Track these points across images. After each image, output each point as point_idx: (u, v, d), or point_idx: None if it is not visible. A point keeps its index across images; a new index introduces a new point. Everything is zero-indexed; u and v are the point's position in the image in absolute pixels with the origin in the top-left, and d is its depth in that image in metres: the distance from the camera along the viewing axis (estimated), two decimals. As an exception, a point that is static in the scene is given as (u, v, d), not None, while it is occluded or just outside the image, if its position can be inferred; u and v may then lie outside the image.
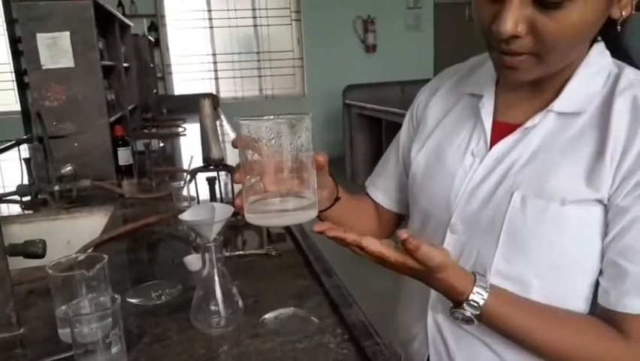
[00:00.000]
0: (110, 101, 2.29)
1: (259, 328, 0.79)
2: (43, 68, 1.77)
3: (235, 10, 6.16)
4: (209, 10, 6.10)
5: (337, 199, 0.77)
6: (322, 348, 0.74)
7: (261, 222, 0.63)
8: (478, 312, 0.63)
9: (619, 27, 0.62)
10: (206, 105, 1.18)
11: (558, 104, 0.66)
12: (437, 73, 0.89)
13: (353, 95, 5.26)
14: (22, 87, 5.41)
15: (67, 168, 1.57)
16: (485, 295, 0.63)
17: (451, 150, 0.75)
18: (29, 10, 1.74)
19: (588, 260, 0.64)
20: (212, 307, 0.78)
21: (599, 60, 0.66)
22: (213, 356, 0.73)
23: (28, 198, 1.57)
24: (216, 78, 6.30)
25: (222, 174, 1.32)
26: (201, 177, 1.27)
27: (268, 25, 6.31)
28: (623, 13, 0.61)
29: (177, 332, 0.79)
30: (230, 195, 1.41)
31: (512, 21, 0.56)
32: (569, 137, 0.65)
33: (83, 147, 1.83)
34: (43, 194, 1.55)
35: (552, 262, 0.65)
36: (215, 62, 6.25)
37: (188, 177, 1.54)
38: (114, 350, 0.67)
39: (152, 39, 4.60)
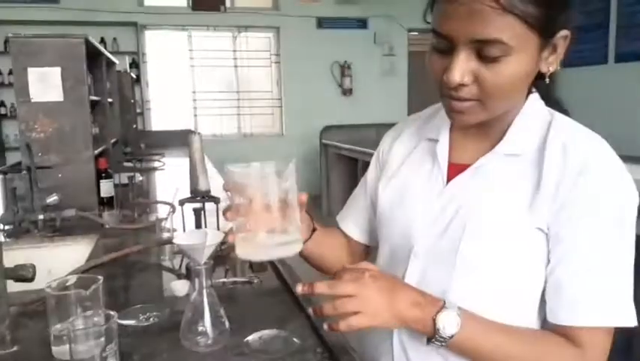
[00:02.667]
0: (95, 135, 2.34)
1: (244, 347, 0.84)
2: (32, 100, 1.83)
3: (216, 50, 6.32)
4: (191, 50, 6.25)
5: (314, 230, 0.89)
6: (303, 365, 0.80)
7: (250, 258, 0.71)
8: (459, 317, 0.69)
9: (547, 80, 0.74)
10: (196, 140, 1.25)
11: (502, 147, 0.77)
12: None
13: (330, 135, 5.43)
14: None
15: (53, 198, 1.60)
16: (457, 309, 0.70)
17: (412, 189, 0.85)
18: (23, 45, 1.81)
19: (535, 285, 0.74)
20: (200, 328, 0.83)
21: (534, 108, 0.78)
22: (202, 372, 0.78)
23: (10, 226, 1.59)
24: (195, 115, 6.39)
25: (208, 204, 1.38)
26: (188, 207, 1.33)
27: (249, 67, 6.49)
28: (550, 69, 0.73)
29: (167, 350, 0.84)
30: (214, 226, 1.47)
31: (459, 72, 0.68)
32: (512, 174, 0.75)
33: (68, 178, 1.87)
34: (26, 223, 1.58)
35: (502, 287, 0.74)
36: (194, 100, 6.36)
37: (172, 209, 1.60)
38: (110, 364, 0.71)
39: (133, 75, 4.68)
